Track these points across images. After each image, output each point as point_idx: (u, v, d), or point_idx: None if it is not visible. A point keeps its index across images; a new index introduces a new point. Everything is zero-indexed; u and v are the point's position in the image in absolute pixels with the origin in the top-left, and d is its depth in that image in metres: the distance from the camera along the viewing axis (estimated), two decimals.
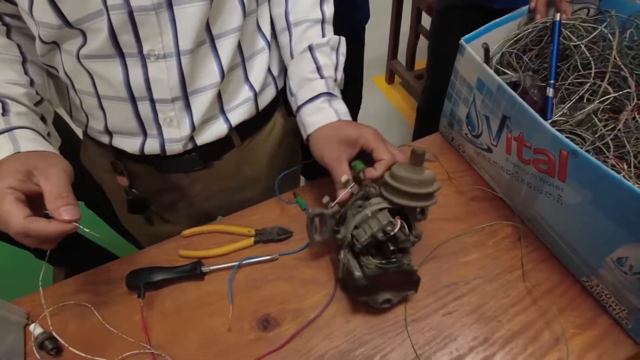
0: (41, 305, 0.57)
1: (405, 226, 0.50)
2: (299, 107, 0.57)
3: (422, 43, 1.89)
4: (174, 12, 0.47)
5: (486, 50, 0.57)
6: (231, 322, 0.54)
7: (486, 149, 0.61)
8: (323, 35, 0.59)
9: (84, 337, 0.55)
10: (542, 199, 0.53)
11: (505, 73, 0.60)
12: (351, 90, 1.30)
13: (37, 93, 0.53)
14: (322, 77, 0.57)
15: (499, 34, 0.63)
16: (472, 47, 0.58)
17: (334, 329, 0.53)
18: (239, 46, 0.55)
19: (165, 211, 0.73)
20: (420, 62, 2.09)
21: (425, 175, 0.49)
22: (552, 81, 0.56)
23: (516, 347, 0.50)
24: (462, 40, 0.59)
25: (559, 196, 0.50)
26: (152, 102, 0.52)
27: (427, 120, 1.38)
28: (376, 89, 2.16)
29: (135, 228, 0.80)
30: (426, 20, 1.77)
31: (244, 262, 0.59)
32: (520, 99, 0.50)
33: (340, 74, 0.60)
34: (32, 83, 0.52)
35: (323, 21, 0.59)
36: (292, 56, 0.59)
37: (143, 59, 0.49)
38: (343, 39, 0.61)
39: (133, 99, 0.52)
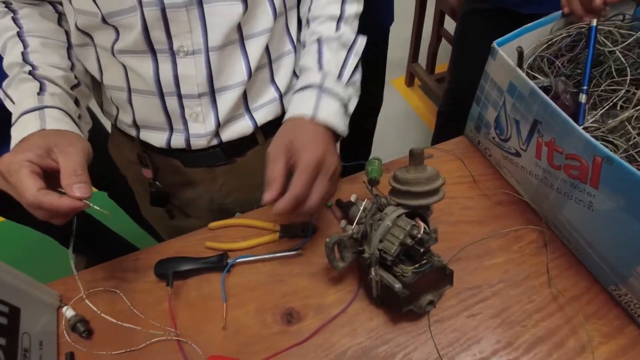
0: (72, 289, 0.60)
1: (424, 223, 0.50)
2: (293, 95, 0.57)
3: (444, 46, 1.88)
4: (204, 9, 0.48)
5: (520, 54, 0.57)
6: (226, 321, 0.55)
7: (514, 153, 0.61)
8: (336, 31, 0.57)
9: (113, 322, 0.56)
10: (572, 205, 0.53)
11: (536, 77, 0.60)
12: (372, 92, 1.30)
13: (75, 77, 0.55)
14: (320, 68, 0.54)
15: (530, 38, 0.63)
16: (504, 51, 0.58)
17: (357, 326, 0.53)
18: (267, 47, 0.56)
19: (186, 205, 0.75)
20: (441, 66, 2.08)
21: (429, 172, 0.49)
22: (585, 87, 0.56)
23: (540, 353, 0.50)
24: (494, 44, 0.59)
25: (590, 202, 0.49)
26: (180, 97, 0.54)
27: (448, 123, 1.37)
28: (395, 91, 2.16)
29: (156, 220, 0.82)
30: (449, 24, 1.76)
31: (268, 256, 0.60)
32: (553, 104, 0.50)
33: (347, 73, 0.56)
34: (72, 67, 0.54)
35: (340, 18, 0.57)
36: (303, 47, 0.59)
37: (173, 54, 0.50)
38: (362, 39, 0.59)
39: (161, 94, 0.53)
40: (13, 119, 0.48)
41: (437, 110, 1.45)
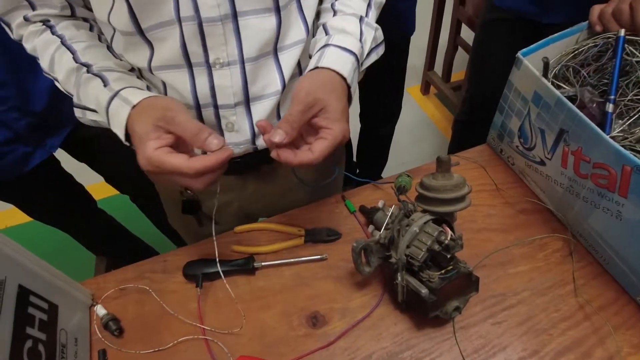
0: (103, 288, 0.62)
1: (450, 230, 0.51)
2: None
3: (460, 55, 1.89)
4: (239, 22, 0.49)
5: (546, 64, 0.58)
6: (251, 323, 0.55)
7: (539, 162, 0.62)
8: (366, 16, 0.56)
9: (143, 321, 0.58)
10: (599, 213, 0.53)
11: (561, 87, 0.61)
12: (392, 100, 1.32)
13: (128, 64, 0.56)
14: (360, 41, 0.53)
15: (555, 48, 0.63)
16: (528, 61, 0.59)
17: (382, 330, 0.54)
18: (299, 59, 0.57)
19: (216, 212, 0.76)
20: (456, 74, 2.09)
21: (457, 179, 0.50)
22: (612, 97, 0.56)
23: None
24: (519, 54, 0.60)
25: (618, 212, 0.49)
26: (216, 108, 0.55)
27: (465, 131, 1.37)
28: (411, 99, 2.16)
29: (183, 228, 0.83)
30: (465, 33, 1.77)
31: (295, 260, 0.61)
32: (580, 113, 0.50)
33: (367, 62, 0.55)
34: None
35: (369, 5, 0.56)
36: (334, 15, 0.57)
37: (209, 67, 0.51)
38: (380, 31, 0.57)
39: (198, 106, 0.54)
40: (105, 122, 0.49)
41: (453, 119, 1.46)
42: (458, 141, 1.45)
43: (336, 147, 0.46)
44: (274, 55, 0.54)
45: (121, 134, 0.47)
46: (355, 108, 1.41)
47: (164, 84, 0.54)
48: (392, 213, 0.53)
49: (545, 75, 0.58)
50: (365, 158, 1.57)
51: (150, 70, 0.52)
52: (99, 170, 1.22)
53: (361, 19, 0.54)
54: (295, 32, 0.54)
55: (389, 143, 1.50)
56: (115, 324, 0.57)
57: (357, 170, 1.64)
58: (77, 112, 0.53)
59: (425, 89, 2.17)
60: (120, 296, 0.61)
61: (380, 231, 0.52)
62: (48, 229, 1.13)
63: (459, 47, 1.89)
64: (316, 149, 0.45)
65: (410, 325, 0.54)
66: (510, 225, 0.63)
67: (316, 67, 0.50)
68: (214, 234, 0.58)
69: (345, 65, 0.50)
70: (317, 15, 0.60)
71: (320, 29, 0.56)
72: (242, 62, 0.52)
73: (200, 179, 0.44)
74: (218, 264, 0.58)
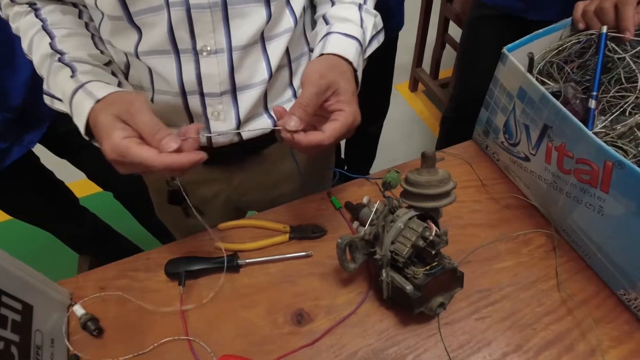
0: (82, 287, 0.60)
1: (435, 226, 0.50)
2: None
3: (448, 52, 1.89)
4: (228, 11, 0.49)
5: (531, 60, 0.58)
6: (236, 321, 0.54)
7: (523, 158, 0.62)
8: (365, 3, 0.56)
9: (124, 321, 0.57)
10: (582, 209, 0.53)
11: (545, 83, 0.61)
12: (380, 97, 1.31)
13: (107, 57, 0.55)
14: (361, 27, 0.53)
15: (540, 44, 0.64)
16: (514, 57, 0.59)
17: (367, 327, 0.54)
18: (287, 49, 0.56)
19: (203, 204, 0.75)
20: (445, 71, 2.10)
21: (441, 175, 0.50)
22: (595, 93, 0.56)
23: (550, 356, 0.50)
24: (504, 50, 0.60)
25: (600, 207, 0.50)
26: (202, 95, 0.54)
27: (453, 128, 1.38)
28: (399, 96, 2.17)
29: (169, 219, 0.82)
30: (453, 30, 1.78)
31: (279, 257, 0.60)
32: (564, 109, 0.50)
33: (369, 50, 0.55)
34: (102, 52, 0.54)
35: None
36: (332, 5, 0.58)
37: (196, 54, 0.51)
38: (378, 17, 0.57)
39: (184, 93, 0.54)
40: (68, 111, 0.48)
41: (441, 116, 1.46)
42: (446, 138, 1.46)
43: (348, 130, 0.46)
44: (262, 44, 0.53)
45: (82, 126, 0.46)
46: None
47: (151, 71, 0.53)
48: (376, 209, 0.52)
49: (530, 70, 0.58)
50: (353, 156, 1.56)
51: (137, 56, 0.51)
52: (81, 167, 1.19)
53: (360, 6, 0.55)
54: (284, 21, 0.53)
55: (377, 140, 1.50)
56: (93, 323, 0.55)
57: (345, 167, 1.64)
58: (46, 99, 0.52)
59: (413, 86, 2.17)
60: (100, 295, 0.59)
61: (365, 227, 0.52)
62: (29, 226, 1.10)
63: (447, 45, 1.90)
64: (327, 129, 0.45)
65: (396, 321, 0.54)
66: (495, 220, 0.63)
67: (321, 55, 0.50)
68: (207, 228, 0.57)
69: (349, 50, 0.50)
70: (314, 7, 0.59)
71: (321, 19, 0.56)
72: (230, 51, 0.51)
73: (166, 172, 0.43)
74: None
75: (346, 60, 0.49)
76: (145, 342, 0.54)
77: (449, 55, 1.92)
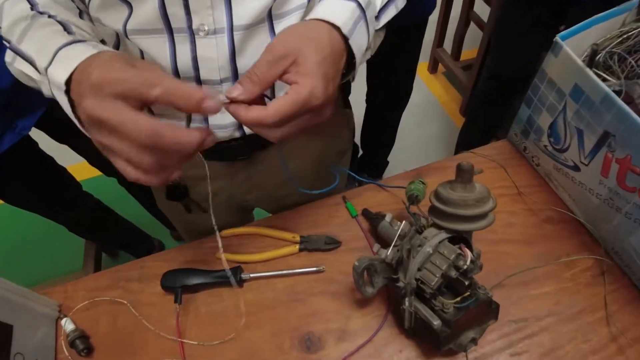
0: (72, 297, 0.55)
1: (470, 252, 0.43)
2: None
3: (472, 31, 1.76)
4: None
5: (594, 52, 0.48)
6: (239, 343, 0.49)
7: (572, 167, 0.53)
8: None
9: (115, 338, 0.52)
10: None
11: (604, 79, 0.51)
12: (402, 85, 1.21)
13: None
14: None
15: (597, 31, 0.54)
16: (567, 46, 0.49)
17: (385, 358, 0.48)
18: None
19: (204, 200, 0.69)
20: (467, 52, 1.96)
21: (479, 192, 0.42)
22: None
23: None
24: (557, 38, 0.50)
25: None
26: (199, 82, 0.47)
27: (482, 110, 1.29)
28: (417, 78, 2.04)
29: (171, 213, 0.77)
30: (479, 7, 1.64)
31: (287, 272, 0.54)
32: (636, 116, 0.41)
33: (384, 19, 0.46)
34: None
35: None
36: None
37: (192, 34, 0.43)
38: None
39: (179, 78, 0.47)
40: (34, 71, 0.39)
41: (470, 95, 1.37)
42: (473, 120, 1.37)
43: (301, 108, 0.35)
44: (269, 23, 0.45)
45: (65, 74, 0.35)
46: (362, 88, 1.30)
47: (142, 53, 0.46)
48: (401, 230, 0.45)
49: (590, 65, 0.49)
50: (371, 142, 1.47)
51: (126, 35, 0.44)
52: (82, 153, 1.13)
53: None
54: None
55: (397, 126, 1.41)
56: (82, 342, 0.50)
57: (360, 153, 1.55)
58: (8, 57, 0.43)
59: (432, 67, 2.04)
60: (92, 307, 0.54)
61: (386, 249, 0.45)
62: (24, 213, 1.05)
63: (472, 23, 1.76)
64: (271, 105, 0.35)
65: (418, 353, 0.48)
66: (533, 236, 0.56)
67: (304, 20, 0.40)
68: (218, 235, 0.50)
69: (340, 14, 0.40)
70: None
71: None
72: (231, 31, 0.43)
73: (151, 154, 0.32)
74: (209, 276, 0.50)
75: (331, 24, 0.39)
76: None
77: (473, 35, 1.78)
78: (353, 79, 0.44)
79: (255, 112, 0.35)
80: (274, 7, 0.44)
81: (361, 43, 0.42)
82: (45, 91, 0.40)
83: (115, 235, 1.32)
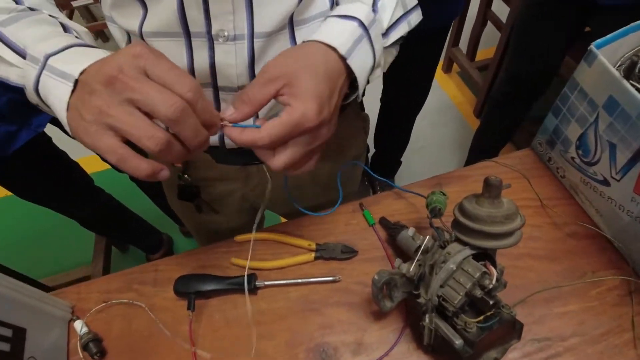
0: (85, 299, 0.55)
1: (495, 270, 0.42)
2: None
3: (488, 31, 1.72)
4: None
5: (633, 64, 0.46)
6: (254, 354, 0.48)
7: (601, 181, 0.51)
8: None
9: (128, 341, 0.51)
10: None
11: (638, 90, 0.49)
12: (421, 85, 1.19)
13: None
14: (373, 10, 0.43)
15: (634, 39, 0.51)
16: (602, 55, 0.47)
17: None
18: None
19: (216, 202, 0.68)
20: (482, 52, 1.92)
21: (507, 208, 0.41)
22: None
23: None
24: (592, 47, 0.48)
25: None
26: (216, 89, 0.46)
27: (499, 112, 1.27)
28: None
29: (182, 213, 0.77)
30: (497, 6, 1.60)
31: (303, 280, 0.53)
32: None
33: (393, 37, 0.45)
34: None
35: None
36: None
37: (211, 39, 0.42)
38: (418, 12, 0.48)
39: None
40: (49, 50, 0.35)
41: (489, 96, 1.35)
42: (489, 123, 1.35)
43: (293, 130, 0.34)
44: (290, 29, 0.43)
45: (80, 67, 0.33)
46: (376, 86, 1.28)
47: None
48: (425, 245, 0.43)
49: (627, 77, 0.46)
50: (384, 142, 1.45)
51: (142, 37, 0.43)
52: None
53: None
54: (318, 2, 0.43)
55: (411, 127, 1.38)
56: (96, 345, 0.50)
57: (372, 152, 1.53)
58: None
59: (447, 67, 2.01)
60: (105, 309, 0.54)
61: (407, 264, 0.43)
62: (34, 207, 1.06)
63: (489, 22, 1.72)
64: (265, 127, 0.34)
65: None
66: (557, 252, 0.54)
67: (302, 42, 0.39)
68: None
69: (338, 34, 0.39)
70: None
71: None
72: (251, 37, 0.42)
73: (184, 123, 0.31)
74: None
75: (328, 45, 0.38)
76: None
77: (490, 35, 1.75)
78: (359, 98, 0.42)
79: (249, 134, 0.35)
80: (295, 13, 0.42)
81: (364, 62, 0.40)
82: (15, 79, 0.37)
83: (126, 231, 1.33)
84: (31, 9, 0.41)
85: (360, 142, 0.69)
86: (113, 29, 0.47)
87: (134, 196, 1.33)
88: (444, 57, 1.99)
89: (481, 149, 1.43)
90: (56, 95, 0.34)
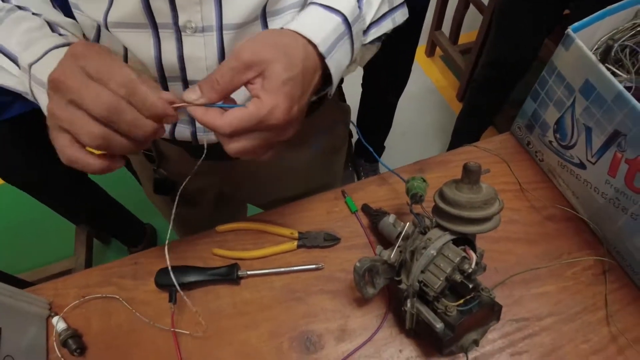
0: (62, 295, 0.53)
1: (474, 254, 0.42)
2: None
3: (471, 14, 1.71)
4: None
5: (609, 48, 0.46)
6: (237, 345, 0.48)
7: (577, 164, 0.52)
8: None
9: (108, 336, 0.50)
10: None
11: (615, 74, 0.50)
12: (402, 67, 1.18)
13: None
14: (358, 3, 0.41)
15: (611, 23, 0.52)
16: (579, 39, 0.47)
17: (385, 359, 0.47)
18: None
19: (193, 195, 0.67)
20: (465, 35, 1.92)
21: (486, 193, 0.41)
22: None
23: None
24: (569, 30, 0.48)
25: None
26: (185, 83, 0.44)
27: (480, 96, 1.27)
28: (414, 62, 2.01)
29: (160, 205, 0.76)
30: None
31: (286, 269, 0.53)
32: None
33: (373, 34, 0.43)
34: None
35: None
36: None
37: (178, 31, 0.40)
38: (404, 9, 0.47)
39: (164, 79, 0.44)
40: (31, 59, 0.37)
41: (470, 80, 1.35)
42: (471, 107, 1.36)
43: (257, 124, 0.33)
44: (262, 21, 0.42)
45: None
46: (358, 72, 1.27)
47: (125, 50, 0.43)
48: (405, 232, 0.44)
49: (603, 61, 0.47)
50: (367, 127, 1.45)
51: (107, 27, 0.41)
52: None
53: None
54: None
55: (394, 111, 1.38)
56: (75, 342, 0.49)
57: (356, 137, 1.53)
58: None
59: (430, 51, 2.00)
60: (83, 304, 0.53)
61: (388, 250, 0.44)
62: (17, 193, 1.02)
63: (471, 5, 1.72)
64: (228, 115, 0.33)
65: (418, 353, 0.47)
66: (535, 235, 0.55)
67: (281, 28, 0.38)
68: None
69: (320, 29, 0.37)
70: None
71: None
72: (220, 29, 0.40)
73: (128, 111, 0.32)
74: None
75: (308, 40, 0.36)
76: None
77: (472, 17, 1.74)
78: (330, 95, 0.41)
79: (211, 117, 0.34)
80: (269, 3, 0.40)
81: (341, 61, 0.39)
82: (21, 88, 0.39)
83: (108, 220, 1.30)
84: (19, 7, 0.40)
85: (340, 133, 0.69)
86: (81, 18, 0.45)
87: (121, 181, 1.29)
88: (427, 41, 1.98)
89: (463, 132, 1.44)
90: (42, 105, 0.37)
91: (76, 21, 0.44)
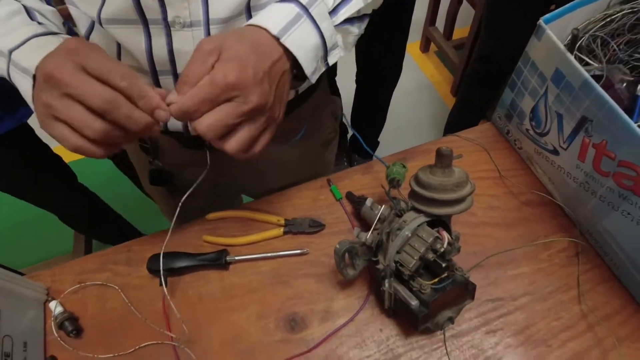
0: (60, 280, 0.56)
1: (448, 235, 0.44)
2: None
3: (465, 9, 1.73)
4: None
5: (575, 37, 0.48)
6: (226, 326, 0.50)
7: (551, 150, 0.54)
8: None
9: (103, 319, 0.53)
10: (616, 216, 0.46)
11: (587, 63, 0.52)
12: (393, 60, 1.20)
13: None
14: None
15: (582, 14, 0.53)
16: (551, 30, 0.49)
17: (366, 337, 0.49)
18: None
19: (188, 185, 0.70)
20: (459, 30, 1.93)
21: (458, 176, 0.43)
22: None
23: None
24: (541, 21, 0.50)
25: None
26: (176, 77, 0.47)
27: (473, 90, 1.29)
28: (408, 57, 2.02)
29: (156, 197, 0.78)
30: None
31: (272, 254, 0.55)
32: (613, 102, 0.42)
33: (344, 12, 0.43)
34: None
35: None
36: None
37: (167, 26, 0.43)
38: None
39: (155, 72, 0.46)
40: (10, 46, 0.39)
41: (463, 74, 1.37)
42: (463, 101, 1.38)
43: (213, 91, 0.34)
44: (247, 16, 0.44)
45: (37, 61, 0.35)
46: (352, 68, 1.29)
47: (118, 45, 0.46)
48: (381, 214, 0.46)
49: (572, 50, 0.49)
50: (361, 122, 1.47)
51: (100, 23, 0.43)
52: None
53: None
54: None
55: (387, 106, 1.40)
56: (71, 324, 0.51)
57: (350, 133, 1.55)
58: None
59: (425, 46, 2.02)
60: (79, 290, 0.55)
61: (366, 233, 0.46)
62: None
63: (464, 0, 1.73)
64: (188, 93, 0.35)
65: (397, 331, 0.49)
66: (513, 219, 0.57)
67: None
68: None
69: (270, 17, 0.39)
70: None
71: None
72: (207, 24, 0.42)
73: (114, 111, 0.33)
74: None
75: (258, 26, 0.38)
76: (126, 344, 0.50)
77: (466, 13, 1.76)
78: (313, 81, 0.43)
79: (176, 105, 0.35)
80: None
81: (304, 41, 0.40)
82: None
83: (105, 230, 1.31)
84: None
85: (330, 126, 0.71)
86: (76, 14, 0.47)
87: (115, 183, 1.32)
88: (422, 36, 2.00)
89: (456, 126, 1.46)
90: (22, 89, 0.38)
91: (56, 9, 0.46)
